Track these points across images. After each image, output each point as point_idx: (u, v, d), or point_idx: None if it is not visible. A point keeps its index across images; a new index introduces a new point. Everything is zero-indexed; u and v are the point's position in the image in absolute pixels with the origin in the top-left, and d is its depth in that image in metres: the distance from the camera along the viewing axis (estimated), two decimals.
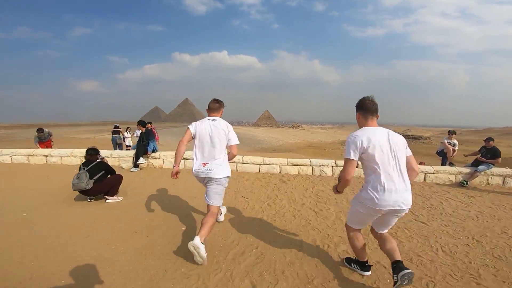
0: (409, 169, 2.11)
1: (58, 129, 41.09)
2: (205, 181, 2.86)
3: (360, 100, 2.18)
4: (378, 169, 1.99)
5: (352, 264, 2.54)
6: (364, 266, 2.44)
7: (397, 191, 1.98)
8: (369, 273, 2.44)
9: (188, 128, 2.85)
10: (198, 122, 2.88)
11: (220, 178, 2.79)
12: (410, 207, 2.07)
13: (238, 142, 2.88)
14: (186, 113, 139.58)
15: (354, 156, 2.01)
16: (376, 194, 2.00)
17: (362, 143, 2.01)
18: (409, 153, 2.14)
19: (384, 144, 2.02)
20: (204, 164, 2.77)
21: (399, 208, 2.00)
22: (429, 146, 40.82)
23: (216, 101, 2.95)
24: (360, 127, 2.17)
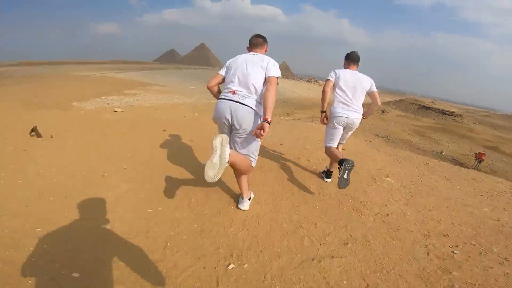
0: (372, 101, 3.20)
1: (64, 66, 40.34)
2: (231, 119, 2.28)
3: (348, 53, 3.16)
4: (340, 92, 3.01)
5: (321, 174, 3.62)
6: (328, 174, 3.48)
7: (349, 110, 3.00)
8: (329, 180, 3.47)
9: (218, 73, 2.46)
10: (232, 58, 2.44)
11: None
12: (357, 125, 3.09)
13: (278, 74, 2.29)
14: (201, 57, 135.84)
15: (331, 78, 3.06)
16: (338, 107, 3.02)
17: (336, 74, 3.04)
18: (374, 89, 3.08)
19: (349, 79, 2.99)
20: (233, 93, 2.25)
21: (350, 122, 3.04)
22: (461, 126, 37.12)
23: (258, 36, 2.47)
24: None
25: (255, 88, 2.23)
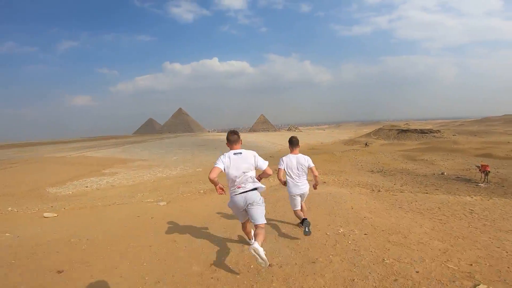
0: (313, 173, 4.15)
1: (42, 147, 39.36)
2: (244, 204, 3.24)
3: (289, 139, 4.27)
4: (288, 174, 4.13)
5: (299, 224, 4.37)
6: (302, 222, 4.07)
7: (298, 186, 4.12)
8: (308, 221, 3.97)
9: (217, 165, 3.15)
10: (225, 158, 3.21)
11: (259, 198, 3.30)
12: (307, 193, 4.26)
13: (267, 163, 3.34)
14: (181, 123, 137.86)
15: (281, 166, 4.10)
16: (290, 185, 4.14)
17: (283, 162, 4.12)
18: (311, 165, 4.13)
19: (292, 163, 4.09)
20: (240, 187, 3.21)
21: (302, 193, 4.17)
22: (444, 140, 38.31)
23: (233, 133, 3.37)
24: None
25: (252, 178, 3.23)
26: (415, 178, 13.19)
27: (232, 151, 3.24)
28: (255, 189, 3.22)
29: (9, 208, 9.76)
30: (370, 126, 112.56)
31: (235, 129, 3.45)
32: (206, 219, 5.26)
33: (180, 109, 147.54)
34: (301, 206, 4.25)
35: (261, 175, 3.38)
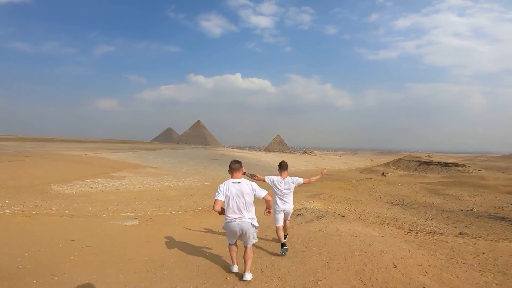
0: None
1: (61, 144, 40.50)
2: (238, 231, 3.61)
3: (279, 164, 4.77)
4: (276, 194, 4.70)
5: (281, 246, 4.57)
6: (282, 245, 4.50)
7: (284, 204, 4.69)
8: (287, 248, 4.49)
9: (218, 198, 3.49)
10: (224, 186, 3.55)
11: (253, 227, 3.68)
12: (291, 211, 4.88)
13: (266, 192, 3.61)
14: (198, 135, 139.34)
15: (269, 182, 4.70)
16: (277, 203, 4.70)
17: (271, 181, 4.70)
18: (298, 183, 4.79)
19: (281, 184, 4.66)
20: (237, 218, 3.53)
21: (286, 210, 4.73)
22: (469, 175, 35.54)
23: (236, 161, 3.67)
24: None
25: (250, 209, 3.57)
26: (440, 213, 11.88)
27: (232, 180, 3.56)
28: (250, 222, 3.54)
29: (7, 201, 9.52)
30: (388, 156, 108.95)
31: (237, 159, 3.73)
32: (157, 264, 4.16)
33: (198, 121, 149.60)
34: (285, 223, 4.82)
35: (266, 206, 3.72)
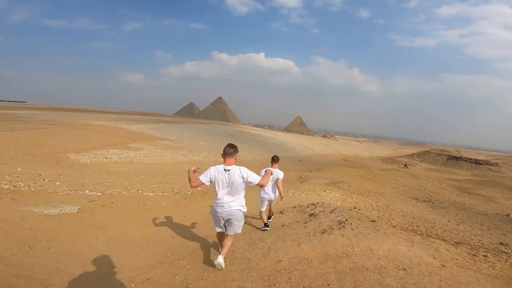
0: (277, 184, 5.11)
1: (87, 114, 41.65)
2: (225, 217, 3.45)
3: (272, 157, 5.30)
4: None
5: (263, 226, 4.93)
6: (265, 225, 4.92)
7: (269, 192, 5.12)
8: (267, 228, 4.86)
9: (201, 178, 3.29)
10: (213, 171, 3.31)
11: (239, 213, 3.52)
12: (274, 200, 5.21)
13: (259, 178, 3.38)
14: (218, 111, 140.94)
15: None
16: (263, 190, 5.06)
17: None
18: (280, 177, 5.05)
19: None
20: (223, 206, 3.35)
21: (270, 198, 5.16)
22: (502, 176, 31.63)
23: (231, 146, 3.40)
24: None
25: (238, 197, 3.41)
26: (473, 216, 10.66)
27: (223, 166, 3.34)
28: (238, 209, 3.41)
29: (18, 169, 9.50)
30: (412, 147, 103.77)
31: (233, 144, 3.47)
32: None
33: (220, 98, 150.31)
34: (270, 208, 5.36)
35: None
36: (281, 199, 5.11)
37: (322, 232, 4.50)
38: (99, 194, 7.25)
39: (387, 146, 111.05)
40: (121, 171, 11.63)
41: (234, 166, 3.30)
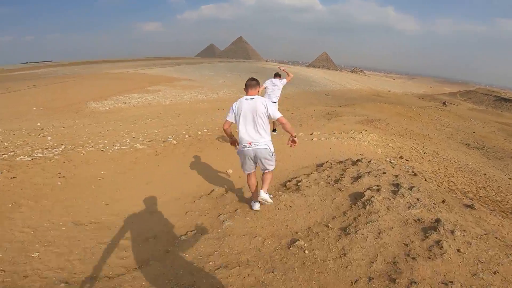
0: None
1: (105, 64, 40.56)
2: (253, 157, 3.20)
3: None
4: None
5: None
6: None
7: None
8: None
9: (227, 118, 3.19)
10: (236, 104, 3.17)
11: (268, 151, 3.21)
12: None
13: (280, 115, 3.11)
14: (240, 50, 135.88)
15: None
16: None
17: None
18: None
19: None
20: (250, 143, 3.09)
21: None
22: None
23: (253, 79, 3.28)
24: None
25: (264, 131, 3.11)
26: None
27: (245, 96, 3.21)
28: (265, 147, 3.14)
29: (38, 124, 9.25)
30: (453, 86, 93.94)
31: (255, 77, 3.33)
32: None
33: (240, 38, 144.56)
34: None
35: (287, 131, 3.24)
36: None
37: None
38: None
39: (423, 83, 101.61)
40: (136, 115, 11.09)
41: (257, 96, 3.20)
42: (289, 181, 4.14)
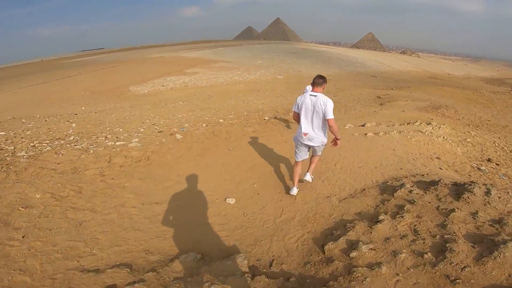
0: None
1: (147, 50, 41.92)
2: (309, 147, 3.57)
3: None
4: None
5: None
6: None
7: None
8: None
9: (293, 110, 3.46)
10: (301, 97, 3.39)
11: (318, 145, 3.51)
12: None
13: (332, 117, 3.20)
14: (278, 32, 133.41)
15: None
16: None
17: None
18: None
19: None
20: (306, 134, 3.37)
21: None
22: None
23: (320, 77, 3.35)
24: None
25: (321, 127, 3.35)
26: None
27: (310, 92, 3.34)
28: (320, 144, 3.44)
29: (83, 108, 9.96)
30: None
31: (322, 75, 3.40)
32: None
33: (278, 19, 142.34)
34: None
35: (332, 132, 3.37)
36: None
37: None
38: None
39: (489, 66, 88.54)
40: (169, 98, 11.19)
41: (321, 94, 3.28)
42: (331, 243, 2.44)
